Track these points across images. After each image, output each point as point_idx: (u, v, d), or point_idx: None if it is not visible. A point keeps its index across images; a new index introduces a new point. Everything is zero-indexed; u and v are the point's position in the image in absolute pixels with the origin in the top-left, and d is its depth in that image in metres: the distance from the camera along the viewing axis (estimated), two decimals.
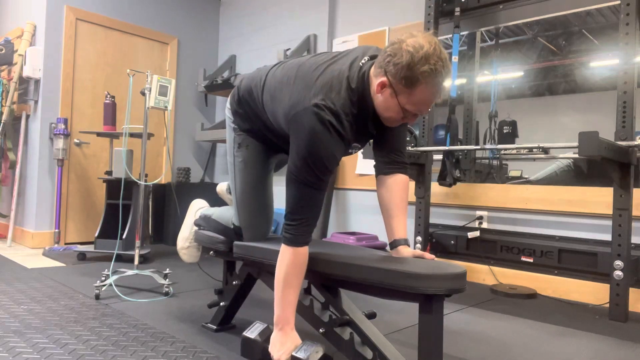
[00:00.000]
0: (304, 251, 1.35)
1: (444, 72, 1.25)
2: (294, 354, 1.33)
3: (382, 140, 1.54)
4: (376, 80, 1.31)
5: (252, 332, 1.48)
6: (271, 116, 1.54)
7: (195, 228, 2.00)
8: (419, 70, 1.22)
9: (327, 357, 1.34)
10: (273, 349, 1.38)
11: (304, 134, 1.29)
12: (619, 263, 2.22)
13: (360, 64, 1.37)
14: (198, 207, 2.08)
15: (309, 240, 1.37)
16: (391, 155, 1.53)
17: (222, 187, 2.16)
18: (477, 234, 2.98)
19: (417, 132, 3.12)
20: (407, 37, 1.25)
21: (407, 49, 1.22)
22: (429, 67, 1.21)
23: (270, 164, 1.76)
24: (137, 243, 2.63)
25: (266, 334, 1.44)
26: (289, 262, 1.35)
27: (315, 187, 1.32)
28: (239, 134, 1.70)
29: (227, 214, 1.82)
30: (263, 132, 1.64)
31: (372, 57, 1.38)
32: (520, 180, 4.23)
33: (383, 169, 1.54)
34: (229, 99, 1.77)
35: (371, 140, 1.58)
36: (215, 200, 2.14)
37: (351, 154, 1.52)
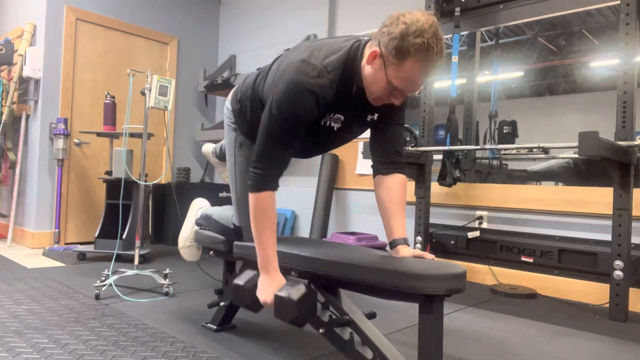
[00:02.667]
0: (266, 195, 1.38)
1: (437, 49, 1.21)
2: (276, 293, 1.38)
3: (379, 140, 1.54)
4: (369, 50, 1.30)
5: (242, 279, 1.53)
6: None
7: (196, 227, 2.01)
8: (411, 42, 1.20)
9: (310, 293, 1.37)
10: (260, 292, 1.43)
11: (281, 84, 1.32)
12: (619, 263, 2.22)
13: (360, 38, 1.38)
14: (199, 207, 2.08)
15: (273, 187, 1.39)
16: (389, 156, 1.52)
17: (207, 148, 2.16)
18: (477, 234, 2.98)
19: (417, 132, 3.12)
20: (407, 12, 1.24)
21: (403, 20, 1.22)
22: (422, 40, 1.19)
23: None
24: (137, 243, 2.63)
25: (254, 280, 1.48)
26: (254, 207, 1.39)
27: (278, 142, 1.35)
28: (240, 134, 1.70)
29: (227, 214, 1.83)
30: None
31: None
32: (520, 171, 4.23)
33: (381, 169, 1.53)
34: (229, 98, 1.76)
35: (367, 140, 1.58)
36: (216, 201, 2.14)
37: (333, 129, 1.45)
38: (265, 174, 1.37)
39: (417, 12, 1.23)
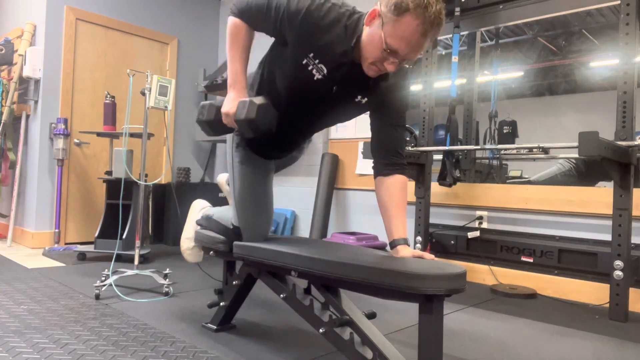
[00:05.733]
0: (238, 22, 1.48)
1: (436, 9, 1.22)
2: (239, 100, 1.46)
3: (380, 142, 1.54)
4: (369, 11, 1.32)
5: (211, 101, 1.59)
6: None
7: (197, 227, 2.01)
8: None
9: (271, 107, 1.44)
10: (225, 105, 1.49)
11: None
12: (619, 263, 2.22)
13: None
14: (200, 207, 2.08)
15: (247, 21, 1.47)
16: (389, 157, 1.53)
17: (222, 178, 2.16)
18: (477, 234, 2.98)
19: (417, 132, 3.12)
20: None
21: None
22: None
23: (270, 164, 1.76)
24: (137, 243, 2.63)
25: (222, 101, 1.53)
26: (230, 28, 1.50)
27: None
28: (237, 134, 1.70)
29: (227, 214, 1.82)
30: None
31: None
32: (521, 180, 4.24)
33: (381, 171, 1.53)
34: None
35: (367, 140, 1.58)
36: (216, 200, 2.14)
37: (313, 77, 1.42)
38: (240, 6, 1.46)
39: None
